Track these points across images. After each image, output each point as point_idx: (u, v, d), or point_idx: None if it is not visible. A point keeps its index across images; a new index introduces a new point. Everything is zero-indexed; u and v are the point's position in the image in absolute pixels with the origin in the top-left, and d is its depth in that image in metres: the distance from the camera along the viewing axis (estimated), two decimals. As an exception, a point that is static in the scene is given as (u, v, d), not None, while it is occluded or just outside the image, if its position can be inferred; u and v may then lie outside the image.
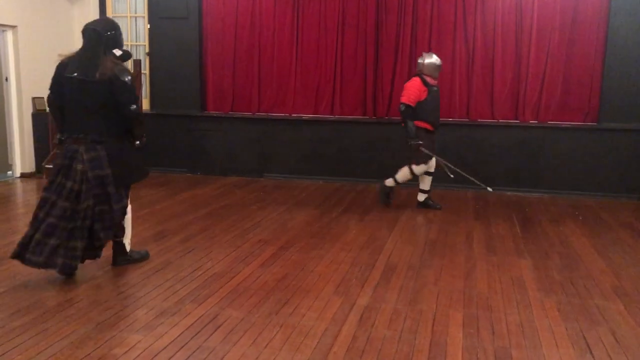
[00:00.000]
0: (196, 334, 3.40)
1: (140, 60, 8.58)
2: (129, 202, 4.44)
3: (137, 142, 4.37)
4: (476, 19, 7.78)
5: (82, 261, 4.24)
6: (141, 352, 3.17)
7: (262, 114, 8.62)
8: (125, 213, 4.40)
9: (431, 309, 3.84)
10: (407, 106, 6.28)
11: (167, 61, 8.74)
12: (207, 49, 8.69)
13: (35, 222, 4.10)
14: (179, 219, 6.05)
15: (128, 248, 4.60)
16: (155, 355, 3.14)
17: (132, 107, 4.15)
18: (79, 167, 4.06)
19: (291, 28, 8.39)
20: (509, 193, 7.64)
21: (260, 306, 3.82)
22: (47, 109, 4.35)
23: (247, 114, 8.66)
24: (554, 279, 4.47)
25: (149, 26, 8.81)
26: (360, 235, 5.56)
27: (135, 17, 9.04)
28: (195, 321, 3.57)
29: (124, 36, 8.94)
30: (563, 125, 7.64)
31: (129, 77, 4.14)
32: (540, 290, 4.21)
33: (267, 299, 3.95)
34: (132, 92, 4.17)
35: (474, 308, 3.87)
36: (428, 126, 6.41)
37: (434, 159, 6.54)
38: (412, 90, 6.30)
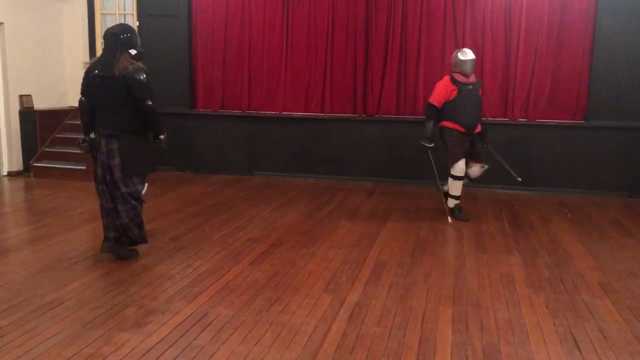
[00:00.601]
0: (185, 332, 3.39)
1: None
2: (144, 188, 4.76)
3: (162, 137, 4.70)
4: (465, 18, 7.80)
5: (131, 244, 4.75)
6: (130, 351, 3.15)
7: (252, 112, 8.60)
8: (138, 200, 4.67)
9: (421, 305, 3.85)
10: (430, 105, 6.05)
11: (157, 59, 8.65)
12: (196, 47, 8.65)
13: (101, 210, 4.69)
14: (168, 217, 6.02)
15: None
16: (144, 354, 3.13)
17: (148, 102, 4.49)
18: (101, 157, 4.57)
19: (281, 26, 8.37)
20: (498, 191, 7.68)
21: (250, 304, 3.82)
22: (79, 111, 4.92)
23: (237, 112, 8.64)
24: (542, 275, 4.49)
25: (137, 24, 8.75)
26: (351, 233, 5.57)
27: (124, 15, 8.98)
28: (185, 319, 3.56)
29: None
30: (551, 124, 7.68)
31: (144, 75, 4.48)
32: (529, 287, 4.23)
33: (257, 296, 3.95)
34: (147, 88, 4.51)
35: (463, 305, 3.88)
36: (458, 127, 5.94)
37: (462, 161, 5.99)
38: (438, 90, 5.99)
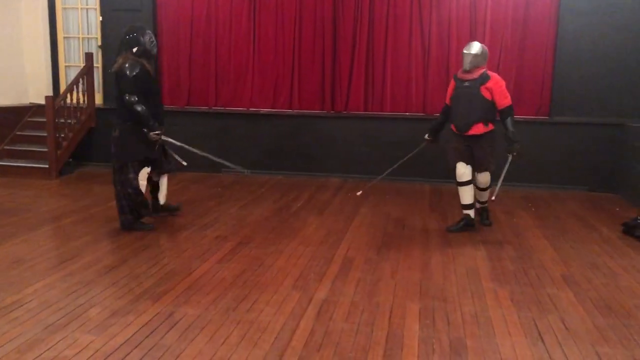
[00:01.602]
0: (151, 333, 3.34)
1: (92, 54, 8.38)
2: (138, 179, 5.28)
3: (151, 133, 5.19)
4: (432, 14, 7.87)
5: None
6: (94, 353, 3.09)
7: (219, 109, 8.52)
8: (127, 186, 5.23)
9: (388, 301, 3.88)
10: (445, 104, 5.80)
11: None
12: (161, 43, 8.52)
13: None
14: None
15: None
16: (109, 356, 3.07)
17: (126, 97, 5.05)
18: None
19: (248, 21, 8.31)
20: (464, 186, 7.76)
21: (218, 303, 3.78)
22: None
23: (204, 109, 8.55)
24: (507, 269, 4.57)
25: (101, 18, 8.58)
26: (319, 229, 5.57)
27: (87, 9, 8.79)
28: (151, 319, 3.51)
29: (75, 28, 8.72)
30: (516, 119, 7.75)
31: (130, 70, 5.04)
32: (494, 281, 4.30)
33: (225, 295, 3.92)
34: (129, 83, 5.04)
35: (429, 299, 3.92)
36: (453, 127, 5.59)
37: (458, 165, 5.52)
38: (449, 87, 5.71)
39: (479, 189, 5.67)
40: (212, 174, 8.27)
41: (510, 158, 5.42)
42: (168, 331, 3.37)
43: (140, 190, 5.35)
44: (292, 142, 8.29)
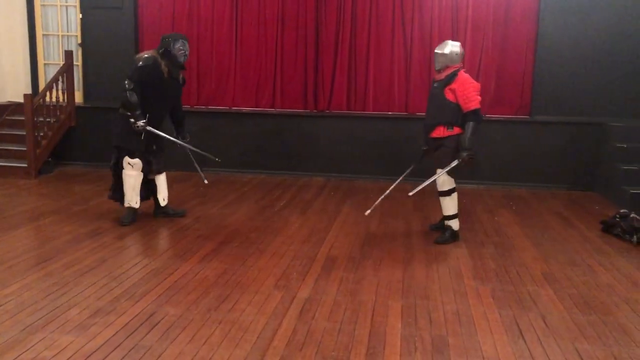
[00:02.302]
0: (132, 333, 3.31)
1: (71, 52, 8.28)
2: (124, 167, 5.46)
3: (137, 123, 5.32)
4: (414, 14, 7.90)
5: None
6: (73, 354, 3.05)
7: (201, 107, 8.47)
8: (114, 170, 5.58)
9: (371, 299, 3.88)
10: None
11: (101, 52, 8.45)
12: (142, 41, 8.45)
13: None
14: (114, 215, 5.85)
15: (127, 203, 5.57)
16: (88, 357, 3.03)
17: (125, 81, 5.26)
18: None
19: (230, 20, 8.27)
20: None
21: (199, 302, 3.76)
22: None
23: (186, 107, 8.43)
24: (488, 267, 4.60)
25: (80, 16, 8.47)
26: (302, 228, 5.56)
27: (67, 7, 8.67)
28: (131, 320, 3.47)
29: (54, 26, 8.61)
30: (497, 119, 7.87)
31: (146, 64, 5.27)
32: (476, 279, 4.33)
33: (206, 295, 3.89)
34: (134, 70, 5.27)
35: (412, 298, 3.93)
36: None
37: (437, 173, 5.21)
38: None
39: (438, 192, 5.28)
40: (195, 173, 8.19)
41: (455, 163, 5.03)
42: (149, 331, 3.33)
43: (126, 179, 5.50)
44: (275, 141, 8.27)
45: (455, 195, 5.23)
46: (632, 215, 5.48)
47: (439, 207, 5.36)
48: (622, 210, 5.68)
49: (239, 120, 8.33)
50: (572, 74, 7.62)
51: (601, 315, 3.72)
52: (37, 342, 3.17)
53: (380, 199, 5.55)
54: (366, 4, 7.96)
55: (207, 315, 3.56)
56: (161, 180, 5.80)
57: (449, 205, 5.22)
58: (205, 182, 5.89)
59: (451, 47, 5.16)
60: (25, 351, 3.07)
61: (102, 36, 8.35)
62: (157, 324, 3.43)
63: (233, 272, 4.32)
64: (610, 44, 7.52)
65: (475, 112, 5.01)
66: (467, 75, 5.12)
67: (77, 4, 8.52)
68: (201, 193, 7.03)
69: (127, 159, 5.47)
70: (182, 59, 5.43)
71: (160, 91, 5.42)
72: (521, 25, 7.74)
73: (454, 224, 5.27)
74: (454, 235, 5.26)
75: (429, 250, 4.99)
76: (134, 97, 5.24)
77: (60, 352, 3.07)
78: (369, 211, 5.49)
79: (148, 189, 5.83)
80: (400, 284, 4.18)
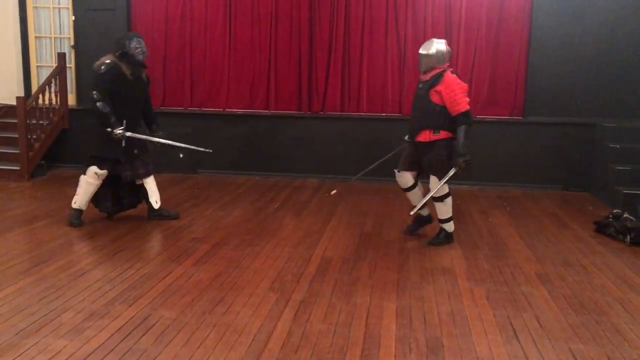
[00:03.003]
0: (126, 336, 3.29)
1: (64, 54, 8.24)
2: (87, 174, 5.45)
3: (114, 132, 5.28)
4: (407, 15, 7.91)
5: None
6: (67, 358, 3.04)
7: (195, 109, 8.45)
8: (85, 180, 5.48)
9: (365, 301, 3.88)
10: None
11: (94, 55, 8.33)
12: (136, 42, 8.41)
13: None
14: (118, 212, 5.83)
15: (74, 204, 5.52)
16: (82, 361, 3.02)
17: (92, 92, 5.25)
18: None
19: (223, 22, 8.26)
20: (440, 186, 7.82)
21: (194, 305, 3.75)
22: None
23: (179, 109, 8.47)
24: (483, 268, 4.61)
25: (73, 18, 8.44)
26: (296, 230, 5.55)
27: (59, 9, 8.64)
28: (126, 323, 3.46)
29: (47, 28, 8.57)
30: (490, 119, 7.89)
31: (104, 70, 5.25)
32: (470, 280, 4.34)
33: (201, 298, 3.88)
34: (96, 79, 5.29)
35: (406, 299, 3.94)
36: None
37: (401, 173, 5.25)
38: None
39: (432, 197, 5.13)
40: (189, 175, 8.20)
41: (452, 171, 4.92)
42: (143, 335, 3.32)
43: (85, 185, 5.48)
44: (269, 142, 8.26)
45: (449, 199, 5.15)
46: (625, 215, 5.51)
47: (410, 205, 5.34)
48: (615, 211, 5.71)
49: (233, 121, 8.32)
50: (566, 75, 7.65)
51: (595, 316, 3.74)
52: (31, 347, 3.15)
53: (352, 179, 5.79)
54: (359, 5, 7.96)
55: (201, 318, 3.55)
56: (150, 184, 5.74)
57: (443, 210, 5.15)
58: (181, 156, 5.84)
59: (436, 46, 4.92)
60: (19, 355, 3.06)
61: (95, 38, 8.31)
62: (151, 327, 3.42)
63: (228, 275, 4.32)
64: (604, 45, 7.55)
65: (465, 115, 4.86)
66: (453, 76, 4.91)
67: (70, 6, 8.49)
68: (195, 195, 7.01)
69: (94, 169, 5.42)
70: (140, 57, 5.40)
71: (127, 94, 5.40)
72: (514, 26, 7.76)
73: (449, 227, 5.21)
74: (449, 237, 5.22)
75: (423, 252, 4.99)
76: (105, 107, 5.22)
77: (54, 356, 3.06)
78: (334, 191, 5.96)
79: (138, 194, 5.82)
80: (394, 286, 4.18)
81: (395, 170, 5.30)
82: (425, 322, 3.58)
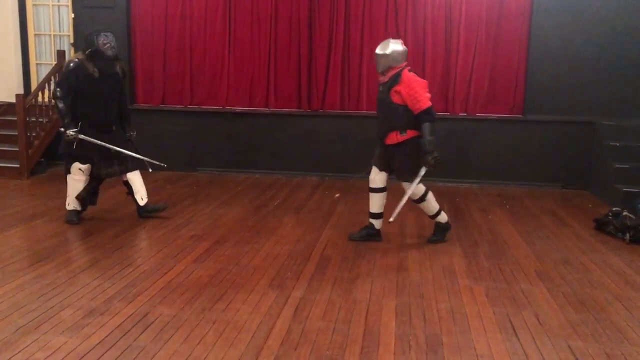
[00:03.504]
0: (125, 334, 3.29)
1: (64, 51, 8.24)
2: (72, 172, 5.46)
3: (66, 132, 5.27)
4: (407, 14, 7.90)
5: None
6: (66, 355, 3.04)
7: (195, 107, 8.45)
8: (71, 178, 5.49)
9: (365, 298, 3.88)
10: None
11: (94, 52, 8.39)
12: (135, 40, 8.41)
13: None
14: (107, 215, 5.84)
15: (69, 206, 5.54)
16: (82, 357, 3.02)
17: (55, 88, 5.33)
18: None
19: (223, 19, 8.25)
20: (439, 184, 7.82)
21: (193, 302, 3.75)
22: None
23: (179, 107, 8.46)
24: (482, 265, 4.61)
25: (73, 15, 8.43)
26: (296, 228, 5.55)
27: (59, 6, 8.63)
28: (125, 320, 3.46)
29: (46, 25, 8.56)
30: (490, 118, 7.89)
31: (70, 68, 5.24)
32: (470, 277, 4.34)
33: (200, 295, 3.88)
34: (61, 77, 5.44)
35: (406, 296, 3.94)
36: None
37: (373, 171, 5.15)
38: None
39: (412, 200, 5.04)
40: (188, 173, 8.20)
41: (423, 171, 4.83)
42: (143, 332, 3.32)
43: (72, 183, 5.49)
44: (269, 140, 8.26)
45: (430, 196, 5.03)
46: (625, 213, 5.51)
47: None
48: (614, 209, 5.72)
49: (233, 119, 8.31)
50: (566, 73, 7.64)
51: (594, 313, 3.74)
52: (31, 343, 3.15)
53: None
54: (359, 2, 7.95)
55: (201, 315, 3.55)
56: (135, 180, 5.66)
57: (428, 208, 5.08)
58: (150, 170, 5.74)
59: (393, 46, 4.85)
60: (18, 352, 3.05)
61: (94, 36, 8.29)
62: (151, 324, 3.42)
63: (227, 272, 4.32)
64: (603, 43, 7.54)
65: (427, 112, 4.76)
66: (411, 74, 4.83)
67: (69, 4, 8.48)
68: (195, 192, 7.01)
69: (78, 165, 5.43)
70: (109, 52, 5.32)
71: (94, 92, 5.31)
72: (514, 24, 7.76)
73: (441, 218, 5.16)
74: (446, 228, 5.20)
75: (422, 250, 4.99)
76: (61, 105, 5.23)
77: (53, 353, 3.06)
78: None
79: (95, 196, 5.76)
80: (394, 283, 4.18)
81: (374, 167, 5.14)
82: (425, 320, 3.58)
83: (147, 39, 8.39)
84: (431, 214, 5.16)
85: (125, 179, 5.67)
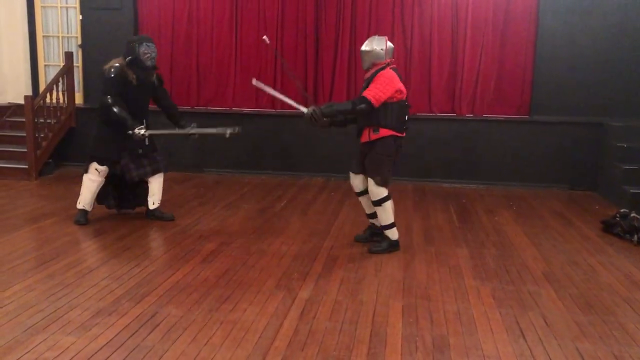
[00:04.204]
0: (133, 334, 3.31)
1: (71, 53, 8.29)
2: (89, 171, 5.52)
3: (130, 132, 5.30)
4: (414, 14, 7.90)
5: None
6: (75, 355, 3.06)
7: (201, 108, 8.47)
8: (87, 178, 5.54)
9: (372, 299, 3.89)
10: None
11: (101, 54, 8.38)
12: (143, 42, 8.44)
13: None
14: (114, 216, 5.87)
15: (79, 204, 5.57)
16: (90, 357, 3.04)
17: (105, 97, 5.29)
18: None
19: (230, 21, 8.27)
20: (446, 185, 7.82)
21: (201, 303, 3.76)
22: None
23: (186, 108, 8.47)
24: (489, 267, 4.61)
25: (81, 17, 8.48)
26: (303, 229, 5.56)
27: (67, 8, 8.68)
28: (133, 320, 3.48)
29: (54, 27, 8.60)
30: (497, 118, 7.88)
31: (111, 73, 5.28)
32: (477, 279, 4.33)
33: (208, 295, 3.89)
34: (105, 84, 5.32)
35: (413, 298, 3.94)
36: None
37: (353, 175, 5.08)
38: None
39: (372, 201, 4.88)
40: (196, 174, 8.22)
41: (300, 108, 4.90)
42: (150, 332, 3.34)
43: (87, 183, 5.55)
44: (275, 141, 8.27)
45: (388, 204, 4.82)
46: (633, 214, 5.49)
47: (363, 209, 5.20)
48: (622, 210, 5.70)
49: (239, 120, 8.30)
50: (572, 74, 7.62)
51: (602, 315, 3.73)
52: (39, 343, 3.17)
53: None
54: (366, 4, 7.95)
55: (208, 316, 3.57)
56: (155, 184, 5.69)
57: (383, 216, 4.84)
58: (228, 134, 5.56)
59: (376, 43, 4.80)
60: (27, 352, 3.08)
61: (102, 37, 8.35)
62: (158, 325, 3.43)
63: (234, 273, 4.33)
64: (610, 43, 7.52)
65: (362, 100, 4.61)
66: (391, 73, 4.73)
67: (77, 5, 8.53)
68: (201, 194, 7.03)
69: (95, 165, 5.47)
70: (149, 63, 5.39)
71: (132, 97, 5.39)
72: (521, 25, 7.74)
73: (392, 234, 4.90)
74: (392, 245, 4.90)
75: (429, 250, 4.99)
76: (117, 109, 5.25)
77: (62, 353, 3.08)
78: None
79: (139, 198, 5.84)
80: (401, 284, 4.18)
81: (350, 172, 5.10)
82: (432, 321, 3.58)
83: (154, 39, 8.39)
84: (384, 223, 4.89)
85: (147, 180, 5.70)
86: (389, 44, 4.86)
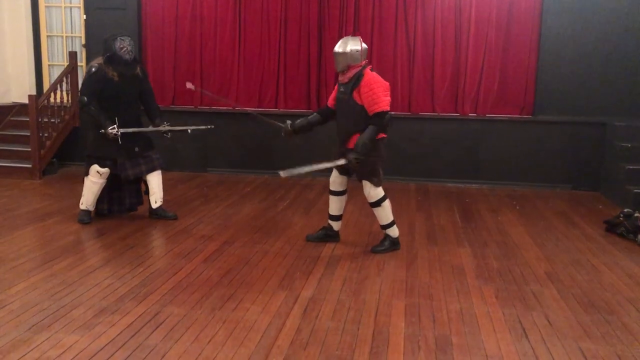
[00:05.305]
0: (136, 333, 3.32)
1: (75, 53, 8.30)
2: (90, 174, 5.51)
3: (107, 131, 5.35)
4: (417, 14, 7.90)
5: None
6: (78, 353, 3.07)
7: (205, 108, 8.48)
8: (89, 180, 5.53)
9: (374, 299, 3.89)
10: (326, 104, 5.24)
11: (105, 53, 8.46)
12: (146, 41, 8.46)
13: None
14: (119, 214, 5.88)
15: (82, 205, 5.60)
16: (93, 356, 3.05)
17: (80, 98, 5.38)
18: None
19: (233, 20, 8.28)
20: (449, 184, 7.81)
21: (203, 302, 3.77)
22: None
23: (189, 108, 8.50)
24: (492, 266, 4.60)
25: (85, 17, 8.50)
26: (305, 228, 5.56)
27: (71, 8, 8.70)
28: (136, 319, 3.49)
29: (58, 27, 8.62)
30: (500, 118, 7.87)
31: (90, 74, 5.34)
32: (479, 278, 4.33)
33: (211, 294, 3.90)
34: (83, 84, 5.43)
35: (415, 297, 3.94)
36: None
37: (333, 173, 5.06)
38: (334, 91, 5.05)
39: (369, 204, 4.89)
40: (199, 174, 8.23)
41: (340, 162, 4.69)
42: (153, 331, 3.35)
43: (89, 185, 5.54)
44: (278, 141, 8.26)
45: (386, 203, 4.81)
46: (636, 214, 5.48)
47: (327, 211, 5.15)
48: (625, 210, 5.68)
49: (242, 120, 8.33)
50: (576, 74, 7.61)
51: (605, 315, 3.72)
52: (42, 342, 3.18)
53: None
54: (369, 3, 7.95)
55: (211, 315, 3.57)
56: (154, 182, 5.70)
57: (382, 215, 4.83)
58: (189, 130, 5.95)
59: (351, 44, 4.65)
60: (30, 351, 3.09)
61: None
62: (161, 324, 3.44)
63: (237, 272, 4.34)
64: (614, 43, 7.50)
65: (380, 115, 4.54)
66: (374, 74, 4.64)
67: (81, 5, 8.54)
68: (204, 193, 7.04)
69: (96, 167, 5.47)
70: (127, 57, 5.38)
71: (116, 95, 5.40)
72: (524, 25, 7.73)
73: (392, 232, 4.90)
74: (394, 243, 4.91)
75: (432, 250, 4.99)
76: (93, 110, 5.32)
77: (65, 351, 3.09)
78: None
79: (140, 196, 5.91)
80: (403, 284, 4.18)
81: (335, 170, 5.01)
82: (434, 320, 3.58)
83: (158, 40, 8.44)
84: (383, 223, 4.88)
85: (144, 178, 5.72)
86: (364, 45, 4.74)
